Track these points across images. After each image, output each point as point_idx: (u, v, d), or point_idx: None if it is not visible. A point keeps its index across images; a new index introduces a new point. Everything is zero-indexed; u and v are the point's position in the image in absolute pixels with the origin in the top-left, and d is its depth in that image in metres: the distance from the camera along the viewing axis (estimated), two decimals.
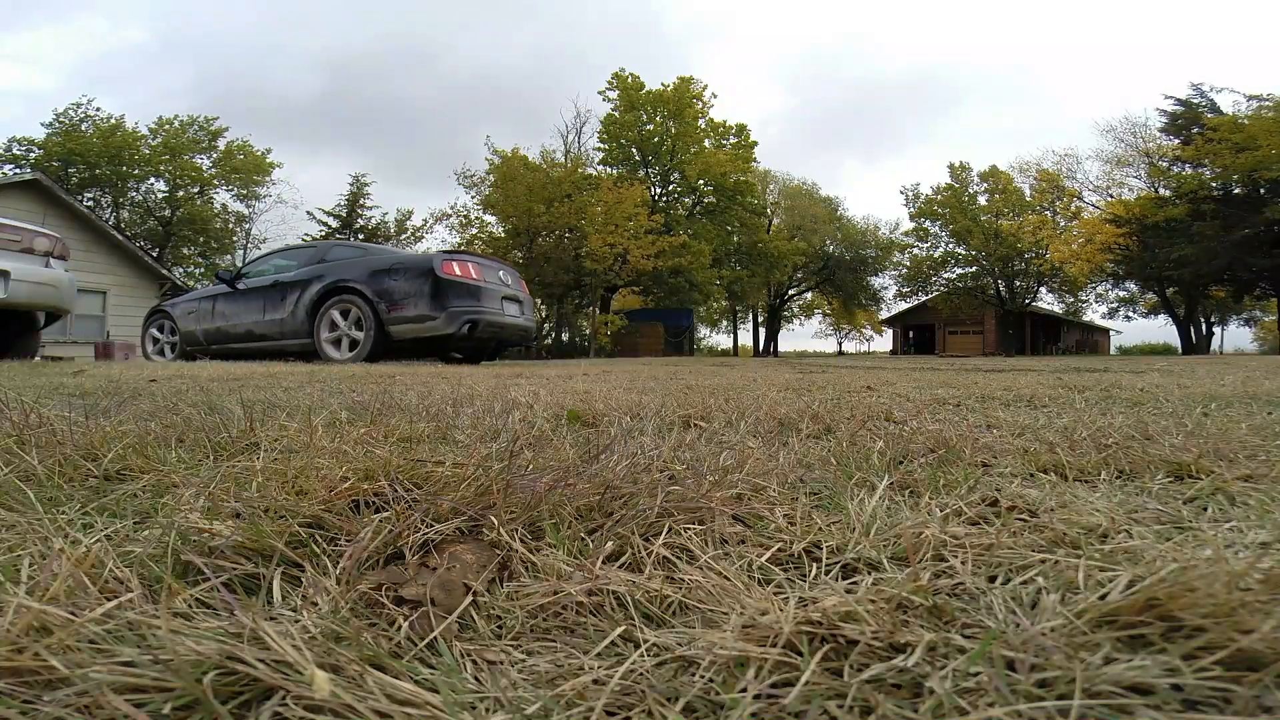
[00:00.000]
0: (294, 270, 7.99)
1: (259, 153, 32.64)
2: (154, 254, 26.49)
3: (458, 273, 7.14)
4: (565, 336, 30.38)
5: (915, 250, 38.39)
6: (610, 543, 0.71)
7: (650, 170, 31.31)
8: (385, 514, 0.74)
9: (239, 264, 32.50)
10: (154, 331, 9.13)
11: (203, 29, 61.84)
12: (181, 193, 31.00)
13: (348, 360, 6.84)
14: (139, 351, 9.38)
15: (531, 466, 0.97)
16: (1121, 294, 35.27)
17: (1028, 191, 34.08)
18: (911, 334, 41.59)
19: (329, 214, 31.99)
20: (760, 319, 39.72)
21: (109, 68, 57.56)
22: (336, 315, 7.23)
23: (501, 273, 8.01)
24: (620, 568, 0.66)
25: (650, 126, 30.66)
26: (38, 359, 6.79)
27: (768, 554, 0.70)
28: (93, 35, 59.19)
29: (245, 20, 66.02)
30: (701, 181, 30.28)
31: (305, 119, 62.87)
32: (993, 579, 0.62)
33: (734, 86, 77.26)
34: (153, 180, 30.60)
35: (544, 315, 29.85)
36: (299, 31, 68.06)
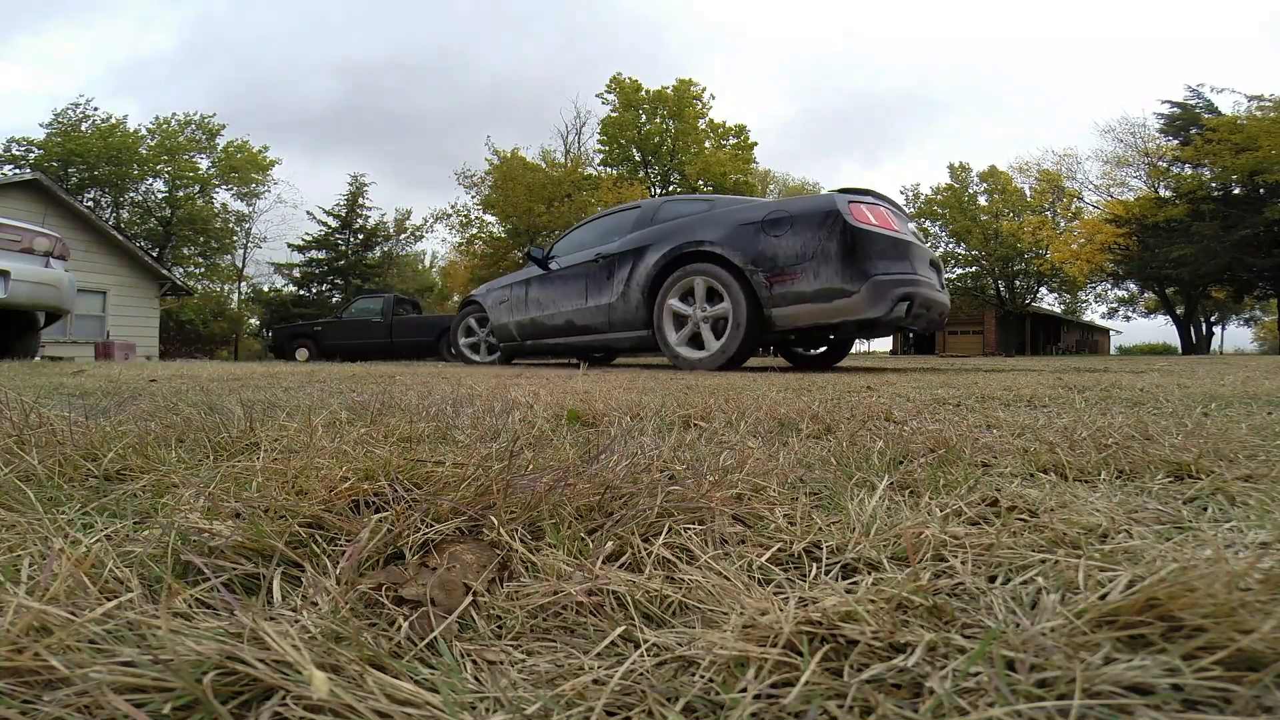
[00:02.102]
0: (620, 238, 5.73)
1: (256, 150, 32.65)
2: (154, 254, 26.51)
3: (873, 221, 4.48)
4: None
5: None
6: (610, 543, 0.71)
7: (650, 170, 31.33)
8: (385, 514, 0.74)
9: (239, 263, 32.72)
10: (471, 321, 7.57)
11: (227, 36, 62.48)
12: (181, 192, 31.04)
13: (703, 361, 4.78)
14: (457, 349, 7.70)
15: (531, 466, 0.97)
16: (1121, 294, 35.32)
17: (1028, 192, 34.12)
18: (911, 334, 41.63)
19: (329, 213, 32.04)
20: None
21: (135, 73, 58.01)
22: (698, 286, 4.87)
23: (911, 224, 5.25)
24: (620, 568, 0.66)
25: (650, 126, 30.69)
26: (38, 359, 6.79)
27: (768, 554, 0.70)
28: (120, 41, 59.79)
29: (267, 28, 66.47)
30: (701, 182, 30.31)
31: (316, 125, 63.35)
32: (993, 579, 0.62)
33: (735, 96, 77.44)
34: (152, 180, 30.66)
35: None
36: (316, 40, 68.37)
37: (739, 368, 4.65)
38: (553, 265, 6.34)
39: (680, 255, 4.97)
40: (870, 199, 4.75)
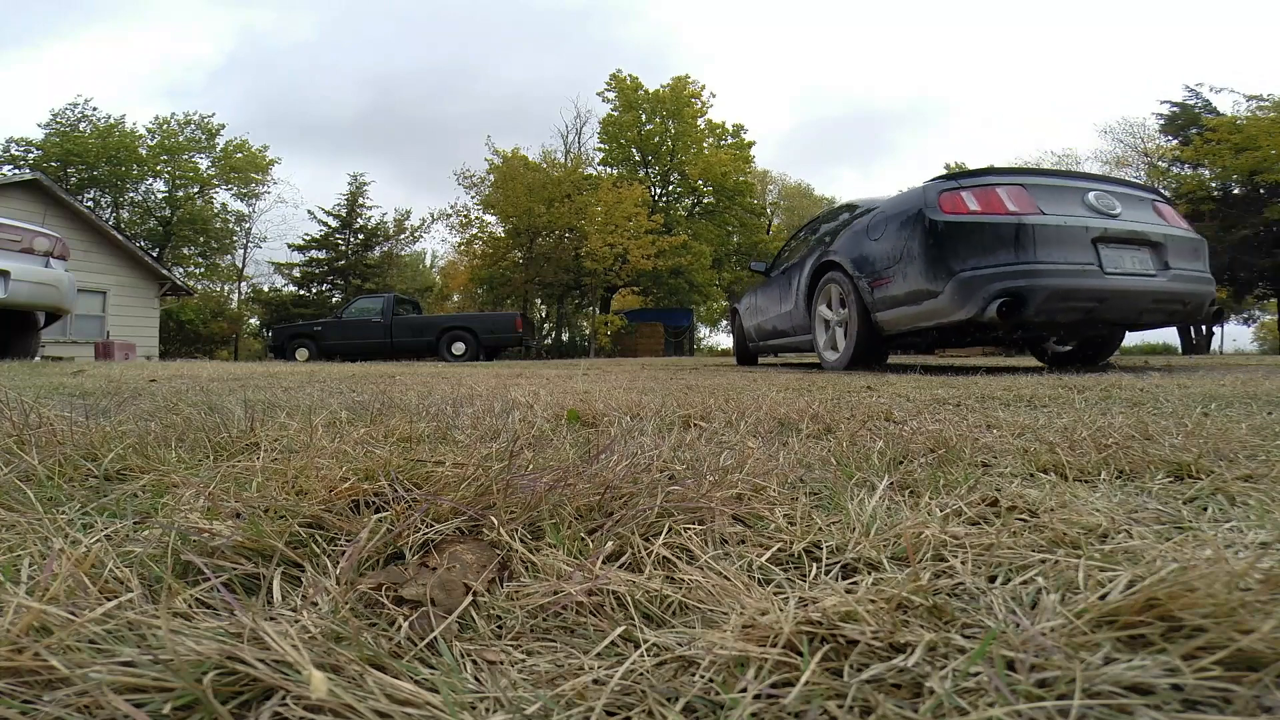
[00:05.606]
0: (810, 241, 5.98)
1: (256, 150, 32.63)
2: (154, 254, 26.49)
3: (974, 208, 4.00)
4: (565, 336, 30.40)
5: None
6: (610, 543, 0.71)
7: (650, 170, 31.30)
8: (385, 514, 0.74)
9: (239, 263, 32.97)
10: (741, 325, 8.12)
11: (268, 46, 62.89)
12: (181, 193, 31.02)
13: (833, 362, 5.06)
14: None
15: (531, 466, 0.97)
16: None
17: None
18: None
19: (329, 213, 32.04)
20: None
21: (173, 80, 57.98)
22: (832, 293, 5.14)
23: (1093, 195, 4.19)
24: (620, 568, 0.66)
25: (650, 127, 30.66)
26: (38, 359, 6.79)
27: (768, 554, 0.70)
28: (158, 50, 60.29)
29: (303, 39, 66.66)
30: (701, 182, 30.29)
31: (339, 131, 63.68)
32: (993, 579, 0.62)
33: (738, 101, 77.31)
34: (152, 180, 30.64)
35: (543, 315, 29.88)
36: (347, 51, 68.59)
37: (860, 367, 4.78)
38: (772, 275, 6.83)
39: (824, 263, 5.22)
40: (986, 180, 4.21)
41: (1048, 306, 3.87)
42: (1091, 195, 4.22)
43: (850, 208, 5.58)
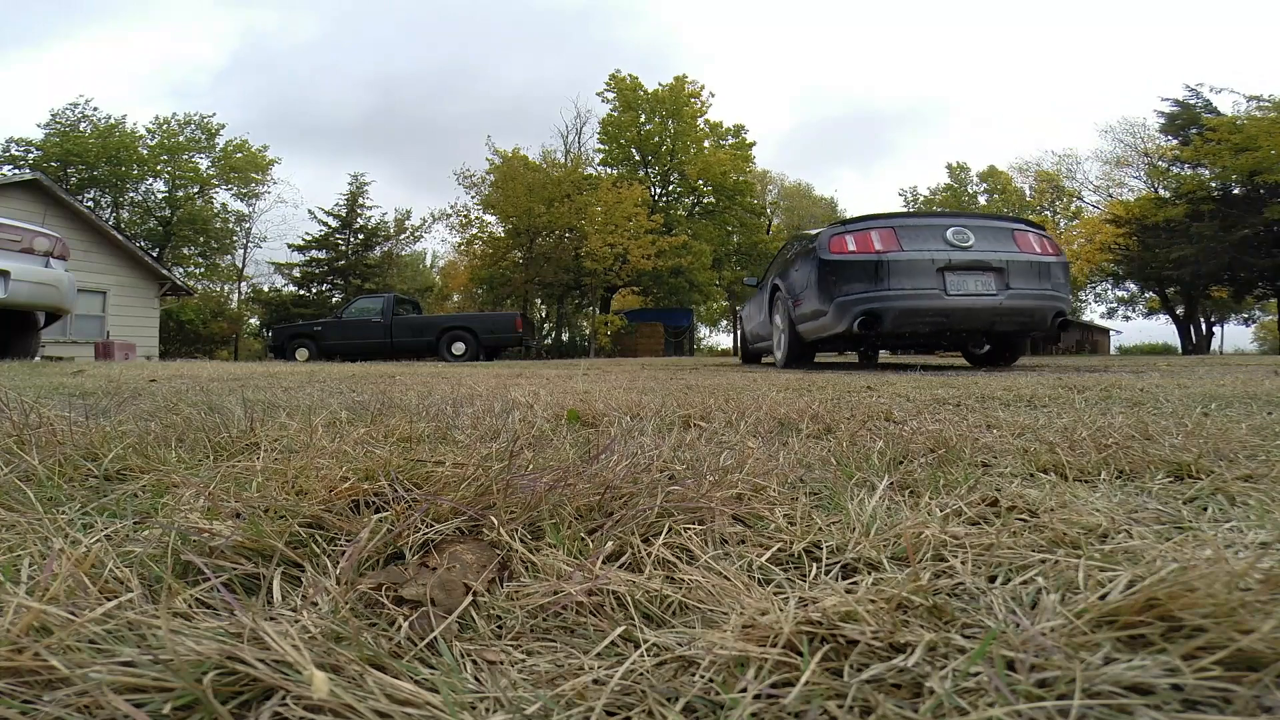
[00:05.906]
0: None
1: (256, 150, 32.59)
2: (154, 254, 26.45)
3: (851, 249, 5.39)
4: (565, 336, 30.38)
5: None
6: (610, 543, 0.71)
7: (650, 170, 31.27)
8: (385, 514, 0.74)
9: (239, 263, 33.04)
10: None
11: (271, 48, 62.93)
12: (181, 193, 31.00)
13: (779, 364, 6.40)
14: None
15: (531, 466, 0.97)
16: (1121, 294, 35.23)
17: (1028, 192, 34.09)
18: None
19: (329, 213, 32.02)
20: None
21: (177, 81, 57.92)
22: (779, 310, 6.57)
23: (950, 231, 5.36)
24: (620, 568, 0.66)
25: (650, 127, 30.63)
26: (38, 359, 6.79)
27: (768, 554, 0.70)
28: (160, 50, 60.24)
29: (306, 41, 66.68)
30: (701, 182, 30.27)
31: (342, 132, 63.74)
32: (993, 579, 0.62)
33: (739, 102, 77.22)
34: (152, 180, 30.61)
35: (543, 315, 29.87)
36: (349, 52, 68.70)
37: (795, 367, 5.97)
38: (759, 288, 8.06)
39: (773, 287, 6.73)
40: (865, 225, 5.57)
41: (900, 321, 5.24)
42: (950, 231, 5.39)
43: (797, 239, 7.00)
